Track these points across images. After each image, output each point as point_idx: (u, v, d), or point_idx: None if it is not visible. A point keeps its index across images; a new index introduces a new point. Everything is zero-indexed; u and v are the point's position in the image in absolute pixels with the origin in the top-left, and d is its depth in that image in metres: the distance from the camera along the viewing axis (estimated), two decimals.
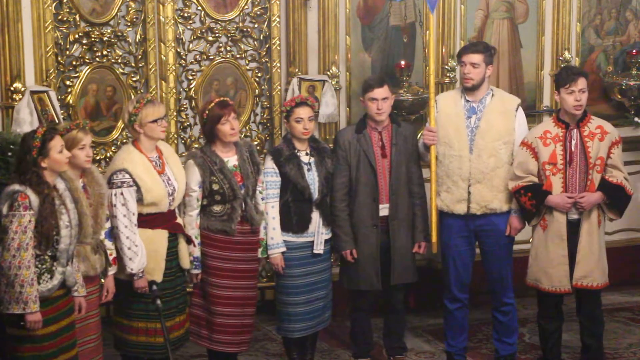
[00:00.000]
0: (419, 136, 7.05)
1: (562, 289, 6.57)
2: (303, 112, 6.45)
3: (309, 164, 6.52)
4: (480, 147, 6.59)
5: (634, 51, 8.24)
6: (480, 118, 6.62)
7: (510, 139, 6.62)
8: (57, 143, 5.35)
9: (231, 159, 6.33)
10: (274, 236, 6.46)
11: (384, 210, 6.67)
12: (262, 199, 6.46)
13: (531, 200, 6.52)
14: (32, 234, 5.22)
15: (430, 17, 6.87)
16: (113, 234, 5.96)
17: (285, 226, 6.50)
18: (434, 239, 6.69)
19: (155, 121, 6.04)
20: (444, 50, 7.90)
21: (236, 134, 6.30)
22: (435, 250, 6.73)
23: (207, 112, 6.29)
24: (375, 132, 6.67)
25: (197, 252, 6.29)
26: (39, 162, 5.30)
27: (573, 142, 6.48)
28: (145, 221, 6.03)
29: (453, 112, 6.67)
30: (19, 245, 5.18)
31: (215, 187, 6.25)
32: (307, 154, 6.54)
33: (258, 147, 7.43)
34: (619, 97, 8.26)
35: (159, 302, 5.76)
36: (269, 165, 6.48)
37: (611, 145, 6.48)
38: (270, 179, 6.46)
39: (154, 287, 5.86)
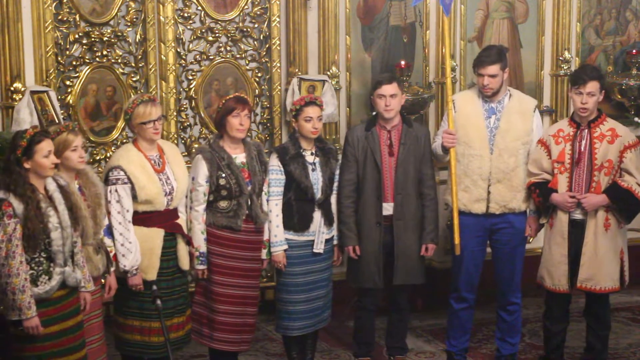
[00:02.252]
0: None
1: (560, 289, 6.56)
2: (312, 112, 6.46)
3: (314, 163, 6.52)
4: (500, 147, 6.60)
5: (634, 51, 8.24)
6: (500, 118, 6.63)
7: (528, 139, 6.64)
8: (44, 147, 5.30)
9: (239, 156, 6.35)
10: (277, 234, 6.46)
11: (388, 209, 6.67)
12: (267, 199, 6.48)
13: (539, 197, 6.53)
14: (19, 241, 5.21)
15: (446, 19, 6.82)
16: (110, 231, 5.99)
17: (287, 224, 6.50)
18: (457, 240, 6.65)
19: (144, 123, 6.04)
20: (444, 50, 7.88)
21: (243, 131, 6.31)
22: (458, 252, 6.68)
23: (223, 101, 6.37)
24: (385, 131, 6.67)
25: (203, 247, 6.29)
26: (22, 162, 5.27)
27: (583, 142, 6.48)
28: (141, 219, 6.05)
29: (472, 112, 6.67)
30: (6, 254, 5.18)
31: (222, 182, 6.26)
32: (312, 153, 6.54)
33: None
34: (619, 97, 8.26)
35: (159, 302, 5.74)
36: (274, 162, 6.48)
37: (623, 149, 6.42)
38: (274, 176, 6.47)
39: (154, 287, 5.85)
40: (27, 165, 5.28)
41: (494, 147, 6.62)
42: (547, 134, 6.60)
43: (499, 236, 6.73)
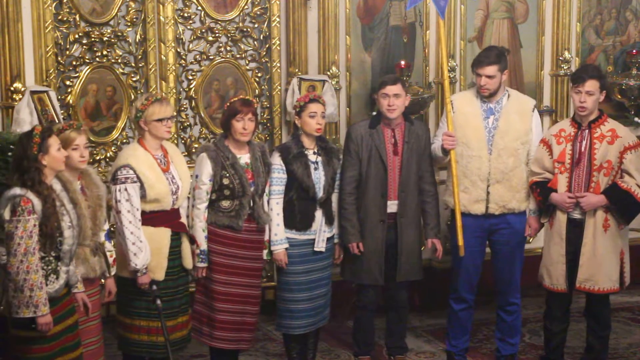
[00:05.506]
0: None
1: (558, 288, 6.57)
2: (316, 108, 6.49)
3: (316, 162, 6.53)
4: (499, 147, 6.60)
5: (634, 51, 8.25)
6: (499, 119, 6.63)
7: (527, 139, 6.64)
8: (54, 141, 5.33)
9: (243, 156, 6.35)
10: (278, 232, 6.47)
11: (392, 206, 6.69)
12: (268, 199, 6.49)
13: (539, 196, 6.53)
14: (38, 238, 5.21)
15: (441, 22, 6.79)
16: (115, 233, 5.97)
17: (289, 223, 6.50)
18: (460, 242, 6.63)
19: (160, 120, 6.04)
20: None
21: (247, 135, 6.31)
22: (462, 253, 6.66)
23: (229, 104, 6.38)
24: (389, 129, 6.69)
25: (204, 245, 6.29)
26: (39, 159, 5.27)
27: (583, 143, 6.47)
28: (149, 219, 6.03)
29: (470, 112, 6.67)
30: (26, 250, 5.17)
31: (226, 181, 6.26)
32: (314, 152, 6.55)
33: None
34: (619, 97, 8.26)
35: (159, 301, 5.76)
36: (276, 161, 6.49)
37: (623, 150, 6.41)
38: (276, 175, 6.48)
39: (154, 287, 5.86)
40: (44, 162, 5.27)
41: (493, 148, 6.62)
42: (550, 133, 6.60)
43: (498, 236, 6.73)
